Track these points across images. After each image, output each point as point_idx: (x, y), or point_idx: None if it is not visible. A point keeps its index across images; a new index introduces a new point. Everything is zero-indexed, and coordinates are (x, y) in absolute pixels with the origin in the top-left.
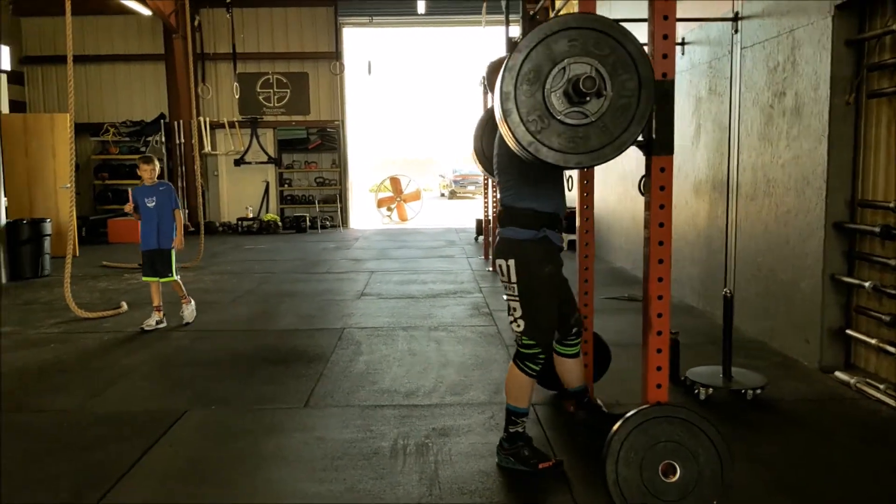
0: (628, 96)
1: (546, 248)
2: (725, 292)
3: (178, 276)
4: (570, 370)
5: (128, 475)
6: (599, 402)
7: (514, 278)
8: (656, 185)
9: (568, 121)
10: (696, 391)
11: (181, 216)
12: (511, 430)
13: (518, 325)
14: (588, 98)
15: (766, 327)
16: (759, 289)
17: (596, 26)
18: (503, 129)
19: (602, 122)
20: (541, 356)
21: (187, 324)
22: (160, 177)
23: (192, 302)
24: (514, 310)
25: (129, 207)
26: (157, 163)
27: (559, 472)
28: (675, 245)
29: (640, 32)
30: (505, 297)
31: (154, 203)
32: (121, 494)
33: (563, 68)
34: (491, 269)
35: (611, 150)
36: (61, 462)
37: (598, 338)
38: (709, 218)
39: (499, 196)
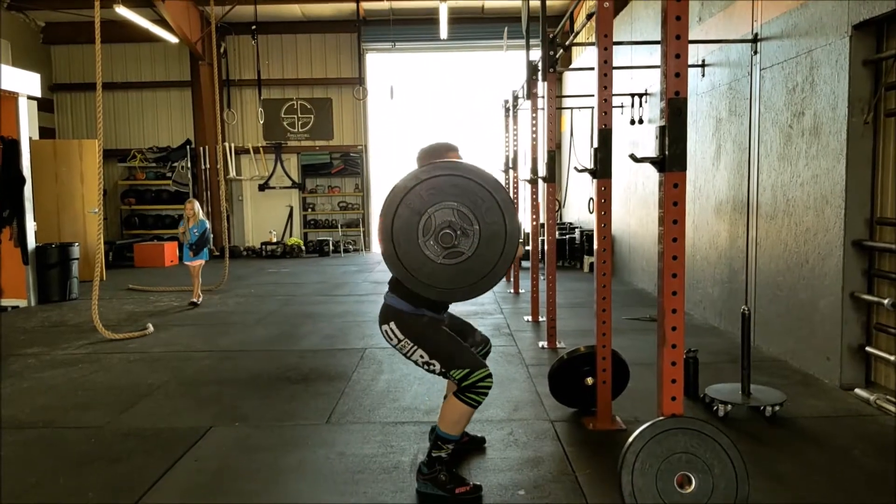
0: (495, 221)
1: (420, 315)
2: (743, 310)
3: None
4: None
5: (154, 488)
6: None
7: (400, 335)
8: (669, 201)
9: (449, 261)
10: (715, 408)
11: None
12: (434, 455)
13: (435, 366)
14: (457, 242)
15: (786, 346)
16: (779, 308)
17: (443, 172)
18: (405, 282)
19: (478, 254)
20: (481, 384)
21: None
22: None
23: None
24: (425, 360)
25: None
26: None
27: (477, 497)
28: (697, 265)
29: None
30: (411, 359)
31: None
32: None
33: (429, 217)
34: (513, 291)
35: (493, 279)
36: (90, 475)
37: (616, 355)
38: (730, 238)
39: None
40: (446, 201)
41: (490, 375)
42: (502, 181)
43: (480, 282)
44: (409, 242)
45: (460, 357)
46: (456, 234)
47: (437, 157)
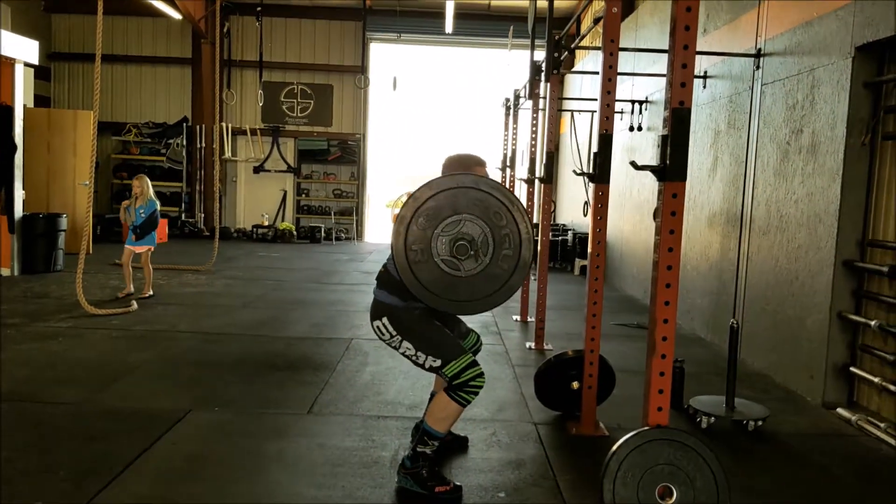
0: (503, 269)
1: (413, 308)
2: (732, 323)
3: None
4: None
5: (129, 469)
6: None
7: (393, 331)
8: (667, 211)
9: (443, 266)
10: (699, 419)
11: None
12: (418, 450)
13: (434, 361)
14: (464, 258)
15: (771, 361)
16: (766, 323)
17: (502, 198)
18: (393, 243)
19: (471, 280)
20: (472, 382)
21: None
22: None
23: None
24: (416, 355)
25: None
26: None
27: (457, 497)
28: (688, 275)
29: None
30: (404, 353)
31: None
32: (121, 487)
33: (459, 220)
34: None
35: (471, 307)
36: (64, 452)
37: (603, 361)
38: (721, 250)
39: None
40: (483, 221)
41: (482, 374)
42: (499, 179)
43: (459, 303)
44: (429, 222)
45: (452, 350)
46: (468, 253)
47: (465, 170)
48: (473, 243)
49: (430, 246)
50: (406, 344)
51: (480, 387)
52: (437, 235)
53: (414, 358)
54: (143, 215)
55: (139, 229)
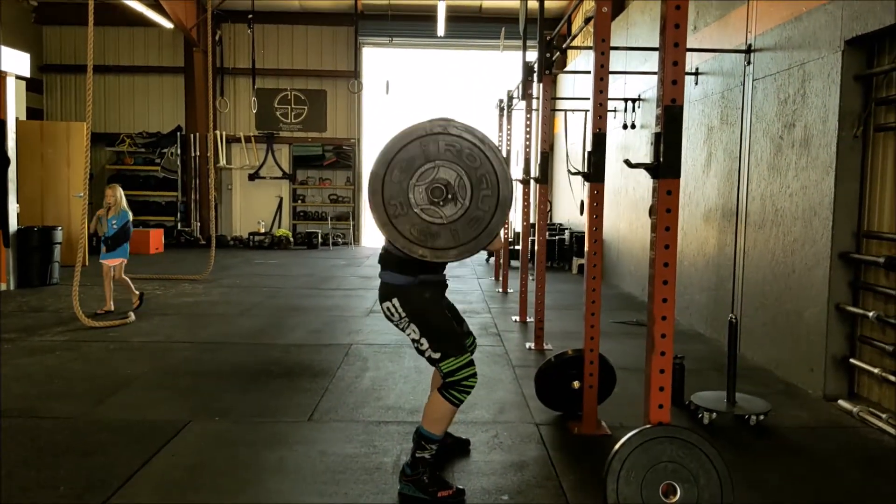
0: (484, 211)
1: (423, 287)
2: (731, 318)
3: None
4: None
5: (129, 482)
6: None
7: (402, 311)
8: (662, 208)
9: (424, 216)
10: (700, 415)
11: None
12: (417, 456)
13: (434, 353)
14: (443, 202)
15: (771, 355)
16: (765, 317)
17: (471, 139)
18: (370, 204)
19: (453, 226)
20: (465, 382)
21: None
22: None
23: None
24: (420, 341)
25: None
26: None
27: (459, 501)
28: (685, 271)
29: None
30: (408, 336)
31: None
32: (121, 501)
33: (433, 167)
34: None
35: (455, 254)
36: (63, 467)
37: (603, 359)
38: (718, 245)
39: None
40: (458, 165)
41: (475, 375)
42: None
43: (436, 250)
44: (404, 175)
45: (454, 347)
46: (445, 197)
47: None
48: (450, 187)
49: (408, 197)
50: (413, 327)
51: (472, 387)
52: (412, 186)
53: (417, 343)
54: (115, 226)
55: (110, 241)
